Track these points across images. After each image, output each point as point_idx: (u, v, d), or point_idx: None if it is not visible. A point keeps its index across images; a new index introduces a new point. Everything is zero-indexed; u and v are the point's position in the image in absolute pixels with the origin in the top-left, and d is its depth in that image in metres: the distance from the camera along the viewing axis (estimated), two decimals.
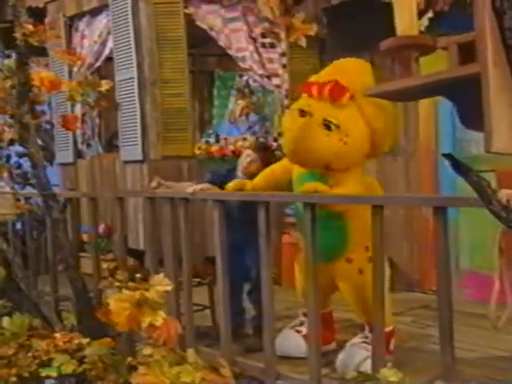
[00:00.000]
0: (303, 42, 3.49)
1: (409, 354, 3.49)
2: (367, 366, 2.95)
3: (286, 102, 5.56)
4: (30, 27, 3.01)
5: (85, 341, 3.33)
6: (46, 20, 6.00)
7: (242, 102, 7.37)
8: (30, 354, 3.29)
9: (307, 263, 2.85)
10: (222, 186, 3.70)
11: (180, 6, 5.41)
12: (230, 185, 3.25)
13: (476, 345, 3.77)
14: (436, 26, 3.88)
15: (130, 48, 5.48)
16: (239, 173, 3.77)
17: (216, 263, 3.33)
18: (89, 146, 6.36)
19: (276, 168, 3.42)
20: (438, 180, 4.86)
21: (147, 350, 2.64)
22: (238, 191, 3.23)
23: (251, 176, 3.66)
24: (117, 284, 2.68)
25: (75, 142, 6.32)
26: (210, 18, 5.51)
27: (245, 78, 7.30)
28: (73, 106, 6.01)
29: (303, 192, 2.87)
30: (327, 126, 3.02)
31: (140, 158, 5.53)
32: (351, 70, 3.21)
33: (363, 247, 3.17)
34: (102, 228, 5.92)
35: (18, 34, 3.04)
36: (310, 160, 3.09)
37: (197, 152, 5.51)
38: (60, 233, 3.76)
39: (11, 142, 4.14)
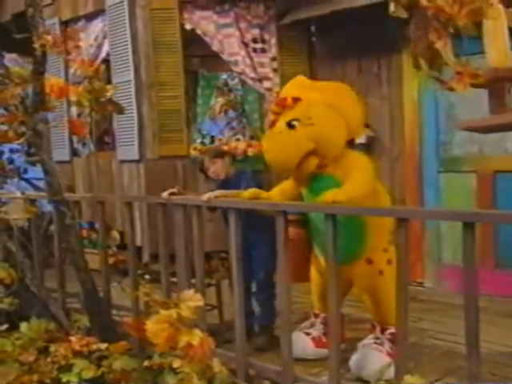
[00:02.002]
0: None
1: (411, 350, 3.34)
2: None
3: None
4: (50, 38, 2.72)
5: (103, 345, 3.11)
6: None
7: (221, 100, 7.21)
8: (49, 360, 3.05)
9: (330, 269, 2.67)
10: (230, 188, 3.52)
11: (175, 12, 5.13)
12: (246, 193, 3.04)
13: None
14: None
15: (127, 52, 5.18)
16: (218, 181, 3.64)
17: (231, 267, 3.14)
18: (84, 144, 6.05)
19: (286, 184, 3.22)
20: (421, 181, 4.74)
21: (176, 363, 2.43)
22: (255, 199, 3.02)
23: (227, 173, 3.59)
24: (145, 298, 2.47)
25: (71, 141, 5.99)
26: (204, 24, 5.25)
27: (224, 76, 7.12)
28: (69, 105, 5.68)
29: (322, 203, 2.68)
30: (290, 125, 2.98)
31: (137, 157, 5.26)
32: (288, 85, 3.34)
33: (382, 249, 3.02)
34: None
35: (36, 45, 2.76)
36: (297, 161, 2.93)
37: (192, 152, 5.27)
38: (72, 238, 3.51)
39: None
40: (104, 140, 6.65)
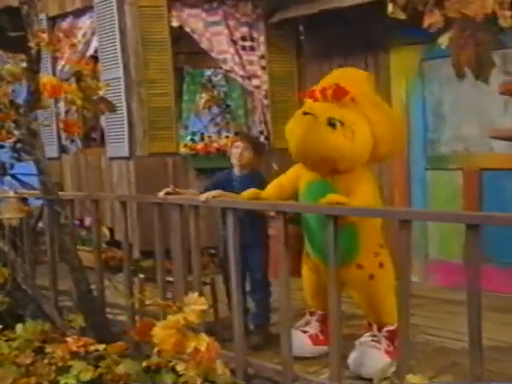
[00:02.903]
0: None
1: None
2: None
3: (265, 102, 5.27)
4: (45, 36, 2.60)
5: (101, 346, 3.02)
6: None
7: (205, 96, 7.12)
8: (46, 361, 2.95)
9: (331, 269, 2.61)
10: (224, 188, 3.45)
11: (164, 10, 5.03)
12: (246, 194, 2.96)
13: (457, 333, 3.60)
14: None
15: (116, 49, 5.06)
16: (236, 168, 3.48)
17: (229, 266, 3.05)
18: (72, 141, 5.90)
19: (283, 179, 3.12)
20: (409, 178, 4.70)
21: (180, 366, 2.35)
22: (254, 200, 2.94)
23: (248, 167, 3.43)
24: (148, 302, 2.38)
25: (59, 138, 5.84)
26: (192, 22, 5.15)
27: (207, 73, 7.03)
28: (56, 102, 5.52)
29: (326, 204, 2.61)
30: (332, 124, 2.77)
31: (127, 154, 5.15)
32: (351, 77, 3.01)
33: (372, 253, 2.95)
34: (88, 221, 5.53)
35: (32, 43, 2.63)
36: (316, 158, 2.81)
37: (182, 149, 5.16)
38: (66, 237, 3.41)
39: None
40: (91, 136, 6.51)
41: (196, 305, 2.21)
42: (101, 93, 3.67)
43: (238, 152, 3.42)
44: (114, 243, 5.37)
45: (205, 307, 2.22)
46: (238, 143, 3.46)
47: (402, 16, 2.92)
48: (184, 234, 3.29)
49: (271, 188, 3.05)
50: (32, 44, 2.64)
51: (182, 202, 3.20)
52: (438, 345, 3.39)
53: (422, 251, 4.67)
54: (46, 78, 3.34)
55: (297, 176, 3.02)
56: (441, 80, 4.54)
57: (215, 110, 7.03)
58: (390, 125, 2.94)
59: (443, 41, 2.45)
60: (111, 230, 5.44)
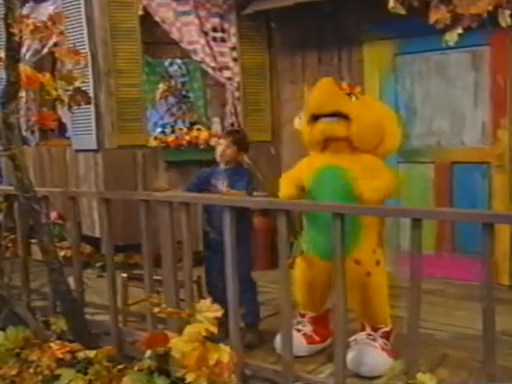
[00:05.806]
0: None
1: (398, 342, 3.21)
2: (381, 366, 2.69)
3: (236, 94, 5.07)
4: (30, 22, 2.31)
5: (91, 353, 2.78)
6: None
7: (161, 86, 6.86)
8: (31, 371, 2.69)
9: (337, 266, 2.49)
10: (207, 186, 3.29)
11: None
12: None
13: (439, 323, 3.58)
14: (465, 42, 3.61)
15: (83, 38, 4.72)
16: (221, 164, 3.34)
17: (226, 263, 2.86)
18: (33, 132, 5.51)
19: (293, 177, 2.92)
20: None
21: (190, 376, 2.15)
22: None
23: (232, 162, 3.30)
24: (156, 310, 2.17)
25: (19, 128, 5.41)
26: (163, 11, 4.87)
27: (165, 63, 6.78)
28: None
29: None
30: (349, 94, 2.81)
31: (94, 147, 4.84)
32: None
33: (371, 250, 2.84)
34: (53, 215, 5.18)
35: (15, 30, 2.33)
36: (334, 104, 2.76)
37: (153, 142, 4.90)
38: (45, 237, 3.13)
39: None
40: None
41: (209, 312, 2.02)
42: (77, 83, 3.39)
43: (220, 149, 3.33)
44: (82, 238, 5.06)
45: (219, 314, 2.03)
46: (222, 140, 3.37)
47: (402, 11, 2.81)
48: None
49: (289, 189, 2.83)
50: (15, 30, 2.34)
51: (171, 200, 2.97)
52: (425, 337, 3.31)
53: (395, 242, 4.63)
54: (20, 67, 3.02)
55: (306, 167, 2.88)
56: (413, 75, 4.49)
57: (171, 100, 6.81)
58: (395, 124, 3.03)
59: (451, 38, 2.34)
60: (78, 225, 5.12)
